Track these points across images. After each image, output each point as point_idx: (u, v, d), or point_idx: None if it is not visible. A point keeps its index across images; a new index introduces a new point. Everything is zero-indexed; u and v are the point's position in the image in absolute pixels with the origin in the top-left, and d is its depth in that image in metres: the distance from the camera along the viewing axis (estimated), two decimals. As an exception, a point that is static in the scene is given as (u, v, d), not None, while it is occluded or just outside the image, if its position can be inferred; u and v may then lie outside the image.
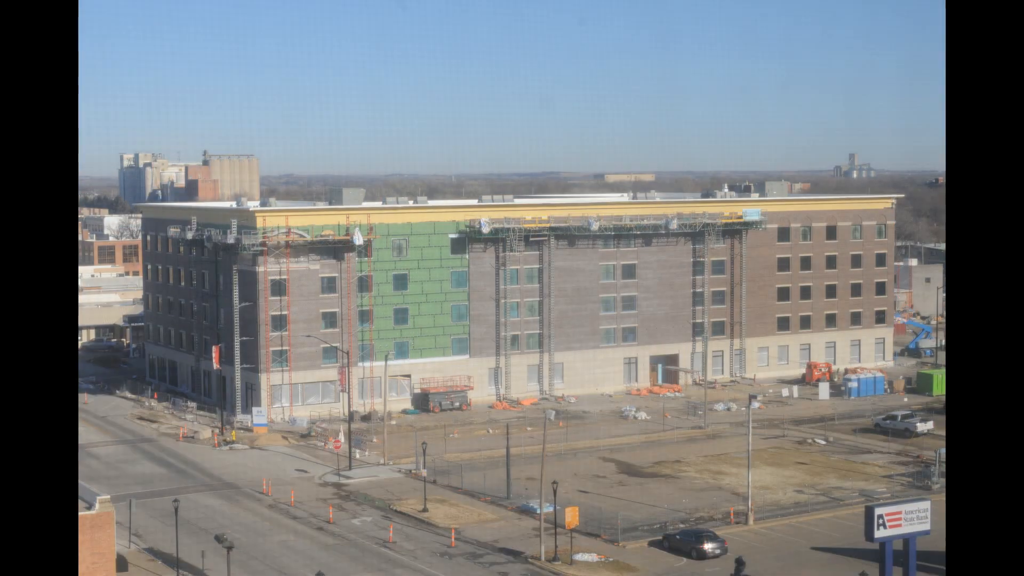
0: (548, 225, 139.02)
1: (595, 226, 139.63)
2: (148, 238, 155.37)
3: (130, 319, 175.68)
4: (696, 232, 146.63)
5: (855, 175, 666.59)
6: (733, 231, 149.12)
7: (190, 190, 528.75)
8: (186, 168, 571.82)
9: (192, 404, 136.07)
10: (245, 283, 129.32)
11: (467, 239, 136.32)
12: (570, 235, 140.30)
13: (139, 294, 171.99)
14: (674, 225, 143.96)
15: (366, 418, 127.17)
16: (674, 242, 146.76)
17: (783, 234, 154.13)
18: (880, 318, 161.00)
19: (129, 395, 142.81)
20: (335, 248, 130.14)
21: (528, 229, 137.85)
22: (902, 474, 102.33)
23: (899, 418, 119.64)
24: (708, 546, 79.55)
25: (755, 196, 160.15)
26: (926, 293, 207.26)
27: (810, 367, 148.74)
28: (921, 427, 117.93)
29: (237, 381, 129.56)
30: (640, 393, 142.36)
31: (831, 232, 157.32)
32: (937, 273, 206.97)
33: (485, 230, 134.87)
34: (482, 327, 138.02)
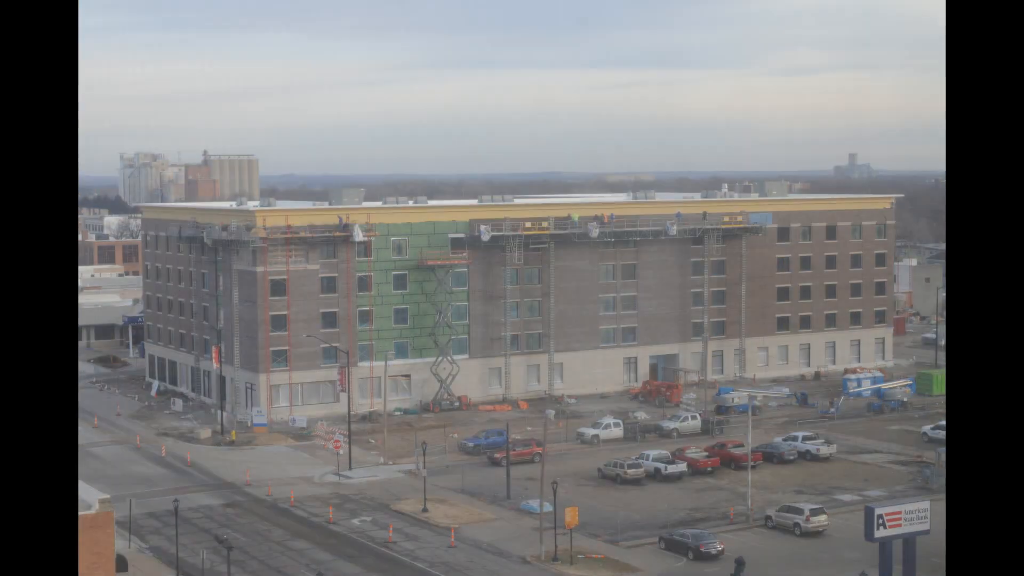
0: (548, 232, 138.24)
1: (595, 233, 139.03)
2: (148, 238, 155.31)
3: (130, 319, 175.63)
4: (696, 238, 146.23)
5: (855, 175, 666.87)
6: (734, 235, 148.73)
7: (190, 190, 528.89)
8: (186, 168, 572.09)
9: (192, 404, 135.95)
10: (245, 283, 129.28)
11: (467, 242, 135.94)
12: (570, 242, 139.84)
13: (139, 294, 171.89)
14: (674, 231, 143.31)
15: (366, 418, 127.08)
16: (674, 242, 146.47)
17: (783, 234, 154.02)
18: (880, 318, 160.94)
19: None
20: (335, 247, 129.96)
21: (528, 236, 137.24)
22: (902, 474, 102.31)
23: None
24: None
25: (755, 196, 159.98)
26: (926, 293, 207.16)
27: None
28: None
29: (237, 381, 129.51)
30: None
31: (831, 232, 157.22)
32: (937, 273, 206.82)
33: (485, 238, 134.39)
34: (482, 327, 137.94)
